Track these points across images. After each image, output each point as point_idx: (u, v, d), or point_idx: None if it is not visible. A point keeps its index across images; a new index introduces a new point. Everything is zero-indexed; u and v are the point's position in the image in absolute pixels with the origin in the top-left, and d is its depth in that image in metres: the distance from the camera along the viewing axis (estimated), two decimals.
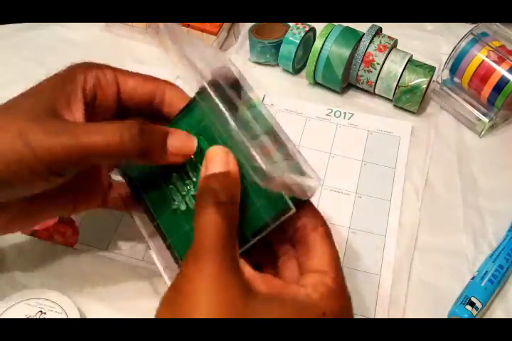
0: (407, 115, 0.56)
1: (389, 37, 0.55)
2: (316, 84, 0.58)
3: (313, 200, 0.48)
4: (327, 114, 0.55)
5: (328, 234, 0.35)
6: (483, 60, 0.52)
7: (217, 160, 0.33)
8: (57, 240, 0.46)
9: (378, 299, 0.44)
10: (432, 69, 0.53)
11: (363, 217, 0.48)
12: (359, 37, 0.54)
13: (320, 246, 0.34)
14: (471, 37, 0.53)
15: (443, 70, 0.55)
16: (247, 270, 0.32)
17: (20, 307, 0.40)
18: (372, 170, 0.51)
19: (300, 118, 0.55)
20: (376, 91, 0.56)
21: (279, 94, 0.57)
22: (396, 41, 0.55)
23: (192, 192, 0.36)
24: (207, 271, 0.30)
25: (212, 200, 0.32)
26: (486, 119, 0.53)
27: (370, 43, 0.54)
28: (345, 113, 0.55)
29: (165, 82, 0.39)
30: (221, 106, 0.32)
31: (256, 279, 0.32)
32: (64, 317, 0.40)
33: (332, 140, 0.53)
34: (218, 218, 0.31)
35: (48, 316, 0.40)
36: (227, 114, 0.32)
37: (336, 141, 0.53)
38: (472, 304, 0.41)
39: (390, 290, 0.44)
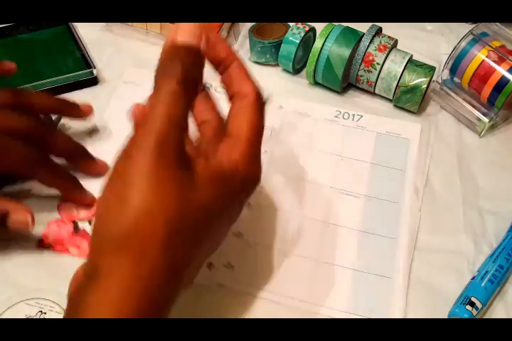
0: (407, 115, 0.56)
1: (389, 37, 0.55)
2: (316, 84, 0.58)
3: (323, 202, 0.49)
4: (335, 116, 0.55)
5: (256, 104, 0.35)
6: (483, 60, 0.52)
7: (189, 31, 0.32)
8: (72, 253, 0.46)
9: (393, 302, 0.43)
10: (432, 69, 0.53)
11: (374, 220, 0.48)
12: (359, 37, 0.54)
13: (243, 114, 0.35)
14: (471, 37, 0.53)
15: (443, 70, 0.55)
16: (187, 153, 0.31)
17: (21, 307, 0.40)
18: (381, 173, 0.51)
19: (308, 120, 0.54)
20: (376, 91, 0.56)
21: (279, 94, 0.57)
22: (396, 41, 0.55)
23: None
24: (141, 168, 0.29)
25: (175, 78, 0.30)
26: (486, 119, 0.53)
27: (370, 43, 0.54)
28: (353, 115, 0.55)
29: None
30: None
31: (195, 162, 0.31)
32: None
33: (341, 142, 0.53)
34: (173, 103, 0.30)
35: (48, 316, 0.40)
36: None
37: (345, 143, 0.53)
38: (472, 304, 0.41)
39: (404, 293, 0.44)
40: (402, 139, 0.53)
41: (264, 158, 0.50)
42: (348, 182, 0.50)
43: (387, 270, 0.45)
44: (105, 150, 0.51)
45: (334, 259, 0.45)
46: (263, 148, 0.51)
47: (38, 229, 0.46)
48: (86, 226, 0.47)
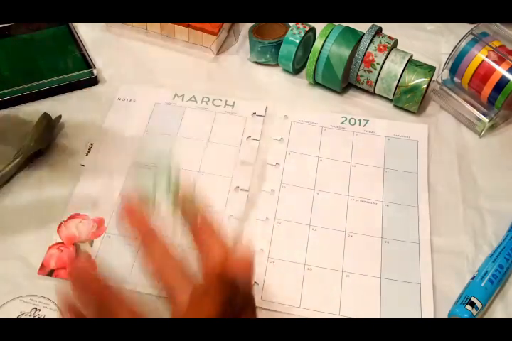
0: (407, 115, 0.56)
1: (389, 37, 0.55)
2: (316, 84, 0.57)
3: (341, 212, 0.48)
4: (342, 122, 0.54)
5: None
6: (483, 60, 0.52)
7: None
8: None
9: (423, 308, 0.43)
10: (432, 69, 0.53)
11: (394, 226, 0.47)
12: (359, 37, 0.54)
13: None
14: (471, 37, 0.53)
15: (443, 70, 0.55)
16: None
17: (15, 304, 0.41)
18: (395, 177, 0.50)
19: (315, 128, 0.54)
20: (376, 91, 0.56)
21: (279, 93, 0.57)
22: (396, 41, 0.55)
23: None
24: None
25: None
26: (486, 119, 0.53)
27: (370, 43, 0.53)
28: (359, 120, 0.54)
29: None
30: None
31: None
32: (58, 313, 0.40)
33: (351, 148, 0.52)
34: None
35: (42, 313, 0.40)
36: None
37: (354, 149, 0.52)
38: (472, 304, 0.41)
39: (432, 297, 0.43)
40: (411, 141, 0.53)
41: (276, 170, 0.50)
42: (364, 189, 0.49)
43: (414, 276, 0.44)
44: (104, 150, 0.52)
45: (359, 269, 0.45)
46: (275, 160, 0.51)
47: (38, 254, 0.44)
48: (88, 249, 0.45)
